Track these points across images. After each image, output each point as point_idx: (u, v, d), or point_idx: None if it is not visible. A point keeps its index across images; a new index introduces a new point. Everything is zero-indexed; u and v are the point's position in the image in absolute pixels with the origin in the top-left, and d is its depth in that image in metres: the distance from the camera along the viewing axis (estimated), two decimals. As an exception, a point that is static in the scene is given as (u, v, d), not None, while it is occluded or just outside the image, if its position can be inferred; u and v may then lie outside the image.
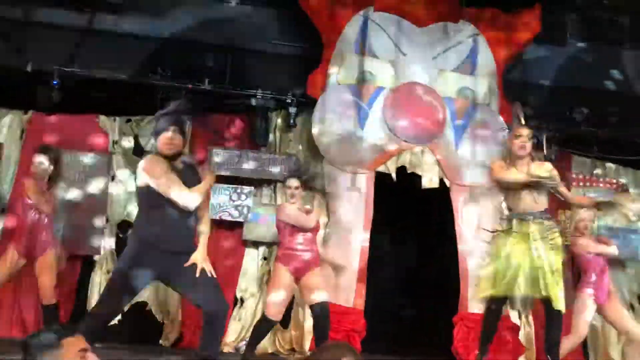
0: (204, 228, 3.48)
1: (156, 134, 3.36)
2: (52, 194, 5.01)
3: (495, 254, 3.91)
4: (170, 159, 3.31)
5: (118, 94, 6.14)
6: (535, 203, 3.86)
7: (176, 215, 3.19)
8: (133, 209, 6.21)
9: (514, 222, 3.87)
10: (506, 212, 4.09)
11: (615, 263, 6.52)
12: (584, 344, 6.34)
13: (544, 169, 3.94)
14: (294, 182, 4.63)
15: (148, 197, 3.26)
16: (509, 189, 3.93)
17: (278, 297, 4.47)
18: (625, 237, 6.67)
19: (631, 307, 6.70)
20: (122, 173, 6.24)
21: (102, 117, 6.26)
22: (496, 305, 3.91)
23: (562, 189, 4.09)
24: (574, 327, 4.61)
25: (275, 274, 4.64)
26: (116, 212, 6.17)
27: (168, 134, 3.26)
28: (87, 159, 6.11)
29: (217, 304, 3.27)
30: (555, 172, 4.03)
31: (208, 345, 3.25)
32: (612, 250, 4.80)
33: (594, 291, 4.62)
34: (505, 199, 4.05)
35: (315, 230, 4.62)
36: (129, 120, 6.33)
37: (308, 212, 4.65)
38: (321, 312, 4.41)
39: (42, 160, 4.83)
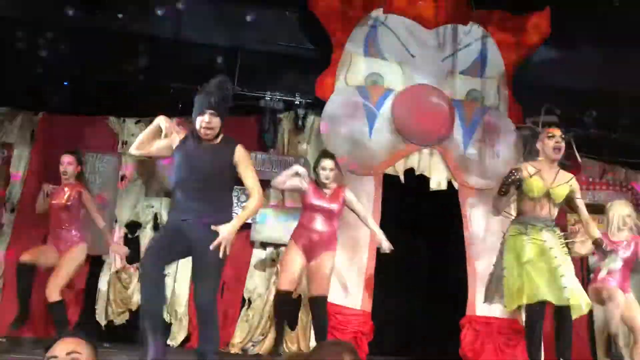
0: (249, 203, 3.32)
1: (194, 116, 3.24)
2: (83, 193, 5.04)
3: (515, 259, 3.77)
4: (208, 141, 3.24)
5: (127, 95, 6.18)
6: (549, 211, 3.80)
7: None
8: (141, 210, 6.25)
9: (528, 227, 3.79)
10: (513, 213, 4.00)
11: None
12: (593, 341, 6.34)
13: (566, 189, 3.83)
14: (329, 163, 4.52)
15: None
16: (524, 195, 3.84)
17: (286, 272, 4.42)
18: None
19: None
20: (131, 173, 6.28)
21: (112, 118, 6.30)
22: (536, 311, 3.68)
23: (581, 205, 3.95)
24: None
25: (286, 250, 4.62)
26: (125, 213, 6.20)
27: (204, 117, 3.15)
28: (97, 159, 6.14)
29: (205, 297, 3.12)
30: (576, 185, 3.93)
31: (202, 343, 3.15)
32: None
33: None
34: (517, 203, 3.95)
35: (334, 214, 4.47)
36: (138, 122, 6.37)
37: (335, 193, 4.50)
38: (317, 307, 4.37)
39: (70, 161, 4.90)
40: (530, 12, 6.59)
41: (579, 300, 3.59)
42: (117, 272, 6.05)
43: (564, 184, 3.83)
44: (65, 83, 5.83)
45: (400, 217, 6.49)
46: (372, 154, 6.15)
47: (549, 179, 3.81)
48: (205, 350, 3.10)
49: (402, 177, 6.22)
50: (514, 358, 5.88)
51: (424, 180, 6.28)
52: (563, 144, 3.86)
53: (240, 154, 3.26)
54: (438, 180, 6.28)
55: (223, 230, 3.08)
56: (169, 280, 6.06)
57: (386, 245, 4.56)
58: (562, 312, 3.67)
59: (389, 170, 6.24)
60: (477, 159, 6.25)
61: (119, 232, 6.14)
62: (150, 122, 6.19)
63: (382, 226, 6.00)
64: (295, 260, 4.40)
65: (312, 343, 5.64)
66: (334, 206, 4.45)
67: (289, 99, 6.29)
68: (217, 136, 3.25)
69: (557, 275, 3.58)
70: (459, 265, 6.12)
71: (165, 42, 6.13)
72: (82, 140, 6.10)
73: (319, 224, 4.41)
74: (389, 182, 6.20)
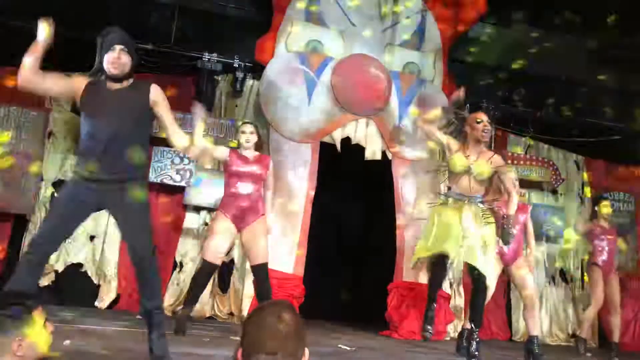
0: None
1: (102, 54, 3.02)
2: None
3: (429, 223, 4.09)
4: (118, 80, 3.01)
5: (57, 48, 5.87)
6: (472, 188, 4.02)
7: None
8: (69, 168, 6.03)
9: (450, 200, 4.03)
10: (444, 190, 4.22)
11: (540, 238, 6.93)
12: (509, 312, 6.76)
13: (494, 162, 4.05)
14: (248, 128, 4.51)
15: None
16: (452, 172, 4.06)
17: (214, 241, 4.36)
18: (551, 213, 7.08)
19: (552, 280, 7.16)
20: (59, 130, 6.03)
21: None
22: (437, 261, 3.97)
23: (506, 181, 4.19)
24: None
25: (214, 219, 4.57)
26: (51, 171, 5.97)
27: (114, 53, 2.98)
28: (22, 114, 5.85)
29: (143, 252, 3.00)
30: (500, 166, 4.13)
31: (148, 300, 3.02)
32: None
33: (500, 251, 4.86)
34: (447, 178, 4.17)
35: (259, 179, 4.45)
36: (67, 77, 6.08)
37: (259, 159, 4.49)
38: (260, 274, 4.41)
39: None
40: (468, -13, 6.74)
41: (475, 261, 3.87)
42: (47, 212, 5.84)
43: (485, 161, 4.04)
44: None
45: (335, 185, 6.60)
46: (310, 121, 6.18)
47: (472, 157, 4.04)
48: (151, 306, 3.05)
49: (338, 146, 6.30)
50: (437, 322, 6.18)
51: (360, 149, 6.38)
52: (489, 127, 4.08)
53: (156, 92, 3.07)
54: (373, 150, 6.40)
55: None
56: (97, 242, 5.94)
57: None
58: (475, 280, 3.98)
59: (326, 139, 6.30)
60: (411, 130, 6.40)
61: (45, 191, 5.91)
62: (80, 76, 6.06)
63: (318, 193, 6.12)
64: (224, 233, 4.34)
65: (245, 306, 5.72)
66: (260, 170, 4.44)
67: (228, 61, 6.18)
68: (127, 78, 3.05)
69: (461, 236, 3.87)
70: (389, 232, 6.32)
71: (98, -5, 5.86)
72: (6, 93, 5.78)
73: (246, 188, 4.37)
74: (325, 150, 6.26)
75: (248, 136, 4.46)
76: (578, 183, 7.52)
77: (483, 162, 4.02)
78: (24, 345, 1.81)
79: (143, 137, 3.10)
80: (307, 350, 1.43)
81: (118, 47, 3.01)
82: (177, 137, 3.10)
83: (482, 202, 4.06)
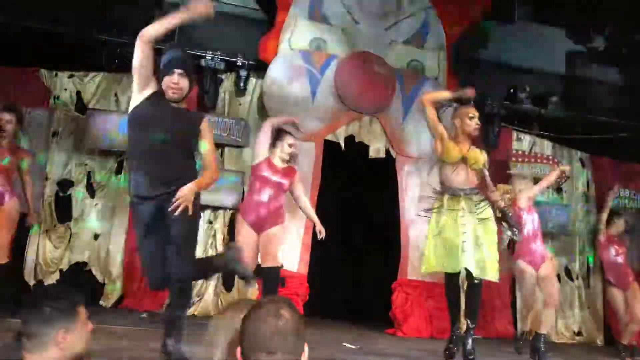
0: (205, 173, 3.22)
1: (162, 77, 3.06)
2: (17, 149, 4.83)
3: (432, 230, 4.06)
4: (174, 102, 3.07)
5: (61, 48, 5.89)
6: (467, 179, 4.03)
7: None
8: (73, 168, 6.05)
9: (445, 198, 4.02)
10: (438, 187, 4.19)
11: (545, 235, 6.90)
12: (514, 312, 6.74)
13: (482, 156, 4.10)
14: (292, 140, 4.48)
15: None
16: (444, 163, 4.06)
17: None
18: (556, 211, 7.03)
19: (558, 278, 7.11)
20: (64, 130, 6.04)
21: (44, 71, 6.00)
22: (451, 279, 4.06)
23: (487, 176, 4.23)
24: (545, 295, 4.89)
25: (237, 224, 4.57)
26: (56, 171, 5.99)
27: (173, 77, 3.02)
28: (27, 114, 5.86)
29: (181, 269, 3.02)
30: (485, 160, 4.17)
31: (175, 309, 3.08)
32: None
33: (528, 257, 4.88)
34: (439, 173, 4.15)
35: (282, 189, 4.43)
36: (71, 76, 6.10)
37: (287, 171, 4.46)
38: (270, 277, 4.41)
39: (10, 118, 4.65)
40: (472, -15, 6.71)
41: (472, 266, 3.86)
42: (47, 231, 5.86)
43: (479, 151, 4.09)
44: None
45: (340, 183, 6.59)
46: (313, 119, 6.17)
47: (464, 148, 4.05)
48: (176, 316, 3.08)
49: (342, 144, 6.29)
50: (441, 320, 6.17)
51: (364, 147, 6.37)
52: (479, 124, 4.12)
53: (206, 124, 3.18)
54: (377, 148, 6.40)
55: (183, 189, 2.98)
56: (102, 241, 5.96)
57: (319, 228, 4.60)
58: (470, 277, 3.99)
59: (330, 137, 6.29)
60: (414, 129, 6.38)
61: (50, 191, 5.93)
62: (85, 76, 6.08)
63: (322, 191, 6.12)
64: (247, 240, 4.33)
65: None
66: (286, 181, 4.46)
67: (231, 59, 6.18)
68: (183, 99, 3.11)
69: (458, 245, 3.86)
70: (393, 231, 6.31)
71: (102, -6, 5.86)
72: (10, 93, 5.79)
73: (268, 197, 4.40)
74: (329, 148, 6.26)
75: (293, 150, 4.47)
76: (583, 181, 7.48)
77: (477, 151, 4.05)
78: (67, 338, 1.83)
79: (190, 156, 3.19)
80: (306, 347, 1.43)
81: (177, 71, 3.04)
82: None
83: (477, 194, 4.06)
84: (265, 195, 4.37)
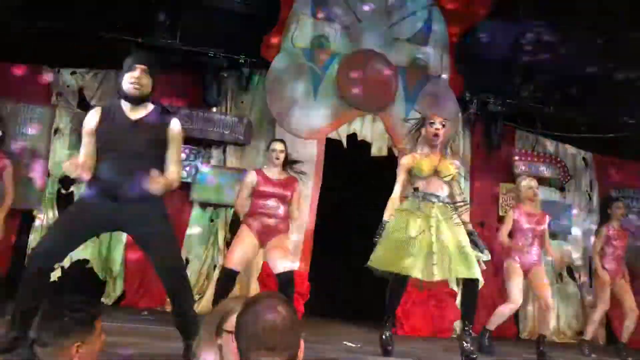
0: (169, 175, 3.12)
1: (123, 75, 3.03)
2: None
3: (395, 226, 3.96)
4: (136, 102, 3.00)
5: (63, 45, 5.88)
6: (440, 188, 4.01)
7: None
8: (75, 165, 6.04)
9: (420, 201, 3.94)
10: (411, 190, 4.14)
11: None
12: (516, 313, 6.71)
13: (452, 167, 4.07)
14: (279, 146, 4.57)
15: None
16: (417, 176, 4.01)
17: (237, 252, 4.40)
18: (559, 210, 7.00)
19: (560, 278, 7.09)
20: (65, 127, 6.04)
21: (46, 68, 6.00)
22: (399, 282, 4.08)
23: (457, 188, 4.21)
24: (507, 293, 4.89)
25: (238, 232, 4.60)
26: (58, 168, 5.98)
27: (135, 72, 2.97)
28: (28, 110, 5.86)
29: (173, 265, 3.07)
30: (457, 171, 4.16)
31: (182, 304, 3.08)
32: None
33: (519, 258, 4.90)
34: (412, 182, 4.09)
35: (284, 199, 4.49)
36: (73, 73, 6.10)
37: (285, 182, 4.52)
38: (285, 281, 4.43)
39: None
40: (476, -17, 6.68)
41: (465, 268, 3.81)
42: (48, 228, 5.86)
43: (449, 163, 4.06)
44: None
45: (341, 182, 6.57)
46: (315, 117, 6.15)
47: (435, 160, 4.01)
48: (184, 309, 3.07)
49: (344, 142, 6.27)
50: (442, 320, 6.16)
51: (366, 145, 6.35)
52: (442, 131, 4.02)
53: (175, 131, 3.07)
54: (379, 146, 6.38)
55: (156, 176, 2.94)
56: (103, 238, 5.95)
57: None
58: (465, 283, 4.02)
59: (332, 135, 6.27)
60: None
61: (51, 187, 5.93)
62: (87, 73, 6.07)
63: (322, 190, 6.10)
64: (248, 243, 4.40)
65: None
66: (286, 192, 4.49)
67: (234, 57, 6.16)
68: (145, 99, 3.04)
69: (430, 253, 3.79)
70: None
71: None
72: (14, 90, 5.80)
73: (271, 207, 4.44)
74: (331, 146, 6.24)
75: (278, 154, 4.51)
76: (586, 180, 7.45)
77: (447, 162, 4.03)
78: (81, 351, 1.83)
79: (157, 165, 3.06)
80: (302, 342, 1.42)
81: (139, 67, 2.99)
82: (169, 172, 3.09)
83: (449, 202, 4.02)
84: (267, 206, 4.44)
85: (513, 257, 4.92)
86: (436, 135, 4.00)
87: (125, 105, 3.05)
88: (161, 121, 3.07)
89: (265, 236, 4.42)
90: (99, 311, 1.94)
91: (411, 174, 4.05)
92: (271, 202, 4.44)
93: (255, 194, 4.47)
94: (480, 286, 3.98)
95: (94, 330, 1.87)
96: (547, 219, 5.11)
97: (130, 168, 2.92)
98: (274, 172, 4.52)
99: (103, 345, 1.95)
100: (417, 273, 3.80)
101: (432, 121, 4.03)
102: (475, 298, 4.01)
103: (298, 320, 1.42)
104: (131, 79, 2.98)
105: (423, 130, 4.07)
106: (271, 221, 4.42)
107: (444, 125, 4.04)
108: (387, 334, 4.15)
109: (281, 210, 4.47)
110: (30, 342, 1.83)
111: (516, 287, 4.84)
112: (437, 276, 3.80)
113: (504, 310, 4.87)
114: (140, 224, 3.00)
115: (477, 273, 3.84)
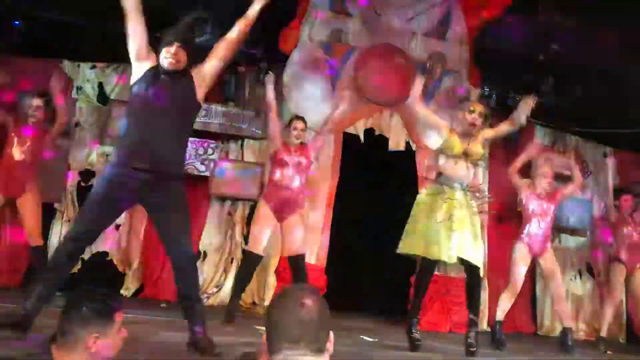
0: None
1: (161, 49, 3.07)
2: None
3: (421, 212, 4.07)
4: (171, 76, 3.05)
5: (83, 39, 5.93)
6: (466, 171, 4.06)
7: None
8: (95, 158, 6.11)
9: (445, 187, 4.03)
10: (433, 175, 4.24)
11: (566, 231, 6.82)
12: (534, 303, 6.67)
13: (481, 147, 4.18)
14: (300, 124, 4.69)
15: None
16: (447, 156, 4.06)
17: (256, 230, 4.51)
18: (578, 206, 6.92)
19: (579, 274, 7.02)
20: (85, 120, 6.09)
21: (66, 62, 6.06)
22: (429, 266, 4.13)
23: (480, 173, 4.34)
24: (509, 278, 4.91)
25: (257, 209, 4.69)
26: (78, 160, 6.05)
27: (172, 48, 3.02)
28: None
29: (185, 251, 3.12)
30: (483, 153, 4.33)
31: (188, 287, 3.13)
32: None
33: (529, 241, 4.90)
34: (440, 161, 4.16)
35: (303, 169, 4.63)
36: (93, 67, 6.15)
37: (301, 148, 4.67)
38: (294, 265, 4.49)
39: (39, 104, 4.79)
40: (495, -23, 6.60)
41: (465, 254, 3.96)
42: (68, 220, 5.93)
43: (479, 143, 4.14)
44: (16, 23, 5.54)
45: (359, 176, 6.57)
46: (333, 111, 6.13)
47: (466, 142, 4.10)
48: (191, 292, 3.11)
49: (361, 137, 6.26)
50: (460, 315, 6.13)
51: (383, 140, 6.33)
52: (480, 120, 4.07)
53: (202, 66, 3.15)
54: (397, 141, 6.35)
55: None
56: (122, 230, 6.01)
57: None
58: (468, 268, 4.05)
59: (349, 129, 6.26)
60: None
61: (72, 180, 6.00)
62: (107, 67, 6.12)
63: (340, 184, 6.10)
64: (265, 220, 4.50)
65: (268, 296, 5.74)
66: (303, 159, 4.57)
67: (251, 51, 6.16)
68: (182, 73, 3.09)
69: (452, 236, 3.93)
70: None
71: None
72: (34, 84, 5.85)
73: (289, 179, 4.52)
74: (348, 141, 6.23)
75: (299, 133, 4.67)
76: (605, 175, 7.34)
77: (479, 145, 4.11)
78: (98, 343, 1.80)
79: (187, 133, 3.24)
80: (332, 334, 1.42)
81: (175, 43, 3.05)
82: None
83: (470, 190, 4.08)
84: (286, 177, 4.51)
85: (522, 239, 4.93)
86: (473, 125, 4.06)
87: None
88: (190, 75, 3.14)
89: (282, 211, 4.50)
90: (120, 305, 1.91)
91: (441, 150, 4.14)
92: (289, 172, 4.55)
93: (276, 162, 4.57)
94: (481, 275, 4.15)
95: (113, 324, 1.85)
96: (559, 195, 5.13)
97: (163, 135, 2.99)
98: (292, 142, 4.67)
99: (123, 341, 1.91)
100: (444, 257, 3.94)
101: (472, 109, 4.04)
102: (478, 286, 4.14)
103: (327, 313, 1.42)
104: (167, 54, 3.03)
105: (461, 115, 4.14)
106: (288, 193, 4.50)
107: (482, 115, 4.09)
108: (416, 328, 4.17)
109: (297, 181, 4.57)
110: (48, 340, 1.82)
111: (519, 274, 4.88)
112: (453, 257, 3.93)
113: (505, 299, 4.93)
114: (160, 195, 3.04)
115: (479, 262, 4.04)
